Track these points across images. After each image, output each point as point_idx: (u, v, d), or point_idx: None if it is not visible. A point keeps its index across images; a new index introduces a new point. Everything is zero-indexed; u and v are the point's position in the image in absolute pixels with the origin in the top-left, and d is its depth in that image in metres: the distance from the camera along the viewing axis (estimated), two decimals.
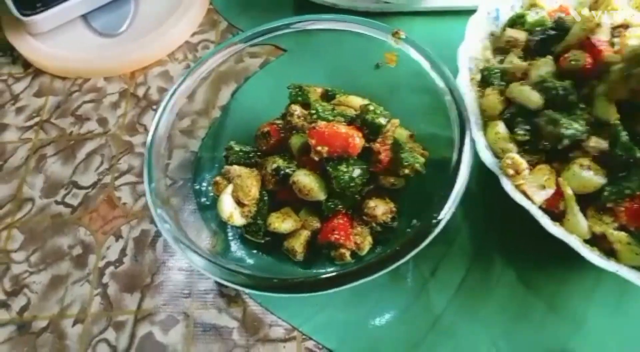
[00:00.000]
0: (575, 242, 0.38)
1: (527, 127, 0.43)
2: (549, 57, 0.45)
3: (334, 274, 0.37)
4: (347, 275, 0.37)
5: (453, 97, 0.43)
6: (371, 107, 0.45)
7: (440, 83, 0.44)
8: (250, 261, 0.47)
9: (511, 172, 0.40)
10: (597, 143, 0.41)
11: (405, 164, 0.42)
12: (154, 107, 0.61)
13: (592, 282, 0.47)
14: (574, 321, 0.45)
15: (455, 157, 0.41)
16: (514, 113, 0.44)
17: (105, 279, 0.50)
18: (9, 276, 0.51)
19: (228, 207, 0.45)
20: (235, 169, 0.46)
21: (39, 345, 0.47)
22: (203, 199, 0.50)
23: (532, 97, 0.42)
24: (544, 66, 0.44)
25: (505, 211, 0.48)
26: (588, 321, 0.45)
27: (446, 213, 0.38)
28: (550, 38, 0.47)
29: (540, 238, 0.46)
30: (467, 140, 0.41)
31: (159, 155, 0.45)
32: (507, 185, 0.40)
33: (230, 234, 0.48)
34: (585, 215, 0.41)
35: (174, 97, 0.48)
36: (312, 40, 0.53)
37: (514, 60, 0.47)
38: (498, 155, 0.44)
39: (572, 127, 0.41)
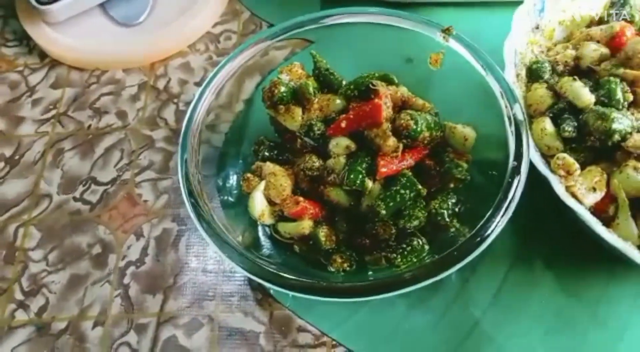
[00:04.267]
0: (632, 251, 0.36)
1: (575, 124, 0.41)
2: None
3: (382, 280, 0.35)
4: (396, 282, 0.35)
5: (507, 97, 0.40)
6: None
7: (490, 80, 0.42)
8: (278, 261, 0.45)
9: (562, 173, 0.38)
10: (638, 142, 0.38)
11: (447, 176, 0.40)
12: (175, 100, 0.59)
13: (636, 290, 0.45)
14: (617, 330, 0.43)
15: (511, 161, 0.38)
16: (561, 109, 0.42)
17: (126, 280, 0.48)
18: (27, 274, 0.49)
19: (260, 206, 0.43)
20: (269, 167, 0.44)
21: (58, 347, 0.45)
22: (226, 197, 0.48)
23: (583, 95, 0.40)
24: (592, 45, 0.42)
25: (547, 213, 0.47)
26: (632, 330, 0.43)
27: (499, 225, 0.36)
28: None
29: (581, 243, 0.45)
30: (524, 145, 0.38)
31: (192, 151, 0.43)
32: (559, 187, 0.38)
33: (260, 232, 0.45)
34: (635, 220, 0.39)
35: (205, 93, 0.46)
36: (343, 33, 0.51)
37: (564, 50, 0.44)
38: (543, 152, 0.41)
39: (623, 121, 0.39)
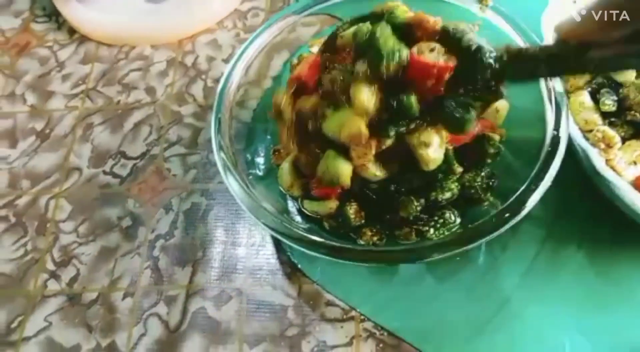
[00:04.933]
0: None
1: (615, 97, 0.40)
2: None
3: (412, 246, 0.35)
4: (425, 249, 0.35)
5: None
6: None
7: None
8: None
9: (602, 146, 0.37)
10: None
11: (482, 150, 0.40)
12: (203, 76, 0.59)
13: None
14: None
15: (550, 130, 0.37)
16: (600, 84, 0.41)
17: (155, 252, 0.49)
18: (57, 246, 0.50)
19: (289, 177, 0.43)
20: None
21: (89, 317, 0.46)
22: (255, 170, 0.48)
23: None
24: None
25: (579, 192, 0.46)
26: None
27: (539, 194, 0.35)
28: None
29: (615, 223, 0.44)
30: (564, 117, 0.37)
31: (225, 125, 0.43)
32: (598, 160, 0.37)
33: (289, 206, 0.45)
34: None
35: (235, 68, 0.46)
36: (372, 7, 0.50)
37: None
38: (580, 127, 0.41)
39: None
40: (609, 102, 0.39)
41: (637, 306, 0.43)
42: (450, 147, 0.39)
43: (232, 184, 0.40)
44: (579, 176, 0.41)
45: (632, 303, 0.43)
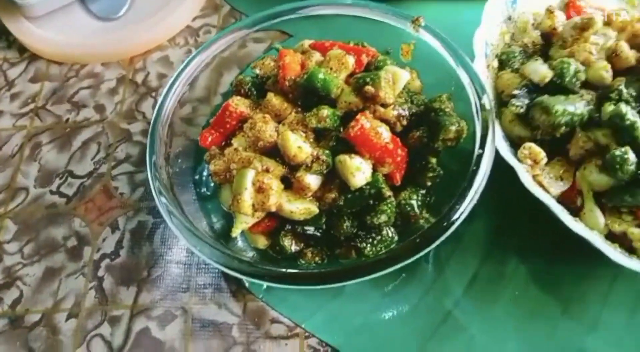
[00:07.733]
0: (597, 240, 0.36)
1: (527, 101, 0.41)
2: None
3: (349, 265, 0.36)
4: (362, 267, 0.35)
5: (475, 87, 0.40)
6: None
7: (460, 71, 0.42)
8: (251, 253, 0.44)
9: (529, 161, 0.38)
10: (584, 143, 0.38)
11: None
12: (153, 94, 0.59)
13: (608, 282, 0.45)
14: (590, 321, 0.43)
15: (476, 149, 0.38)
16: (524, 86, 0.42)
17: (100, 272, 0.48)
18: (1, 267, 0.49)
19: (230, 196, 0.43)
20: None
21: (31, 340, 0.45)
22: (203, 189, 0.48)
23: (539, 70, 0.40)
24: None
25: (520, 207, 0.46)
26: (604, 321, 0.43)
27: (463, 213, 0.36)
28: None
29: (554, 237, 0.44)
30: (490, 134, 0.38)
31: (161, 143, 0.43)
32: (525, 176, 0.38)
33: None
34: (602, 211, 0.39)
35: (176, 83, 0.46)
36: (321, 26, 0.51)
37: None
38: (516, 143, 0.41)
39: (568, 112, 0.38)
40: (518, 104, 0.40)
41: (580, 316, 0.43)
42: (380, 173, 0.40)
43: (174, 223, 0.39)
44: (520, 192, 0.42)
45: (575, 314, 0.43)
